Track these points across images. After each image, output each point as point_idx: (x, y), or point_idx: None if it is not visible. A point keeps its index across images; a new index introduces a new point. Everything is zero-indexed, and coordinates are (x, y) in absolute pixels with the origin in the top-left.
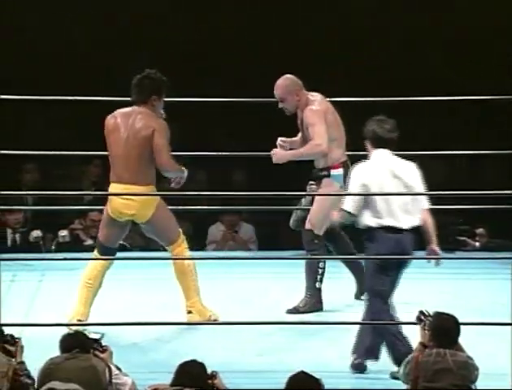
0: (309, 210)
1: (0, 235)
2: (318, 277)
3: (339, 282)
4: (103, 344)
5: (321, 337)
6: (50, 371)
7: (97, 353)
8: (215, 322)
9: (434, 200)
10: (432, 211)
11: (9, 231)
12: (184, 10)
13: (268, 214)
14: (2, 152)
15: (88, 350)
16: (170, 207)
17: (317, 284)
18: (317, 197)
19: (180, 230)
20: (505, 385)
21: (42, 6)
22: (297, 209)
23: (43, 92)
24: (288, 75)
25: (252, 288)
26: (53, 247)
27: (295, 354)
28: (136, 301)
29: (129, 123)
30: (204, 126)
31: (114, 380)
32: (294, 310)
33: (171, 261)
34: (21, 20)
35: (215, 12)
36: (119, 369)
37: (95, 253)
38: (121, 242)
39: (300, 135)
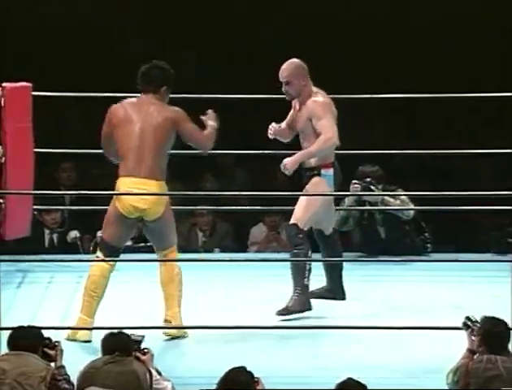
0: (351, 210)
1: (37, 235)
2: (306, 273)
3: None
4: (144, 346)
5: (360, 343)
6: (90, 375)
7: (138, 355)
8: (259, 327)
9: (486, 201)
10: (485, 213)
11: (46, 231)
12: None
13: None
14: (39, 150)
15: (129, 353)
16: (212, 207)
17: (305, 281)
18: (306, 191)
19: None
20: None
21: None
22: (340, 209)
23: (82, 89)
24: (296, 59)
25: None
26: (91, 248)
27: (334, 359)
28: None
29: (142, 113)
30: (248, 123)
31: (154, 385)
32: (285, 311)
33: (157, 264)
34: (67, 18)
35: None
36: (159, 373)
37: (98, 255)
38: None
39: (285, 124)
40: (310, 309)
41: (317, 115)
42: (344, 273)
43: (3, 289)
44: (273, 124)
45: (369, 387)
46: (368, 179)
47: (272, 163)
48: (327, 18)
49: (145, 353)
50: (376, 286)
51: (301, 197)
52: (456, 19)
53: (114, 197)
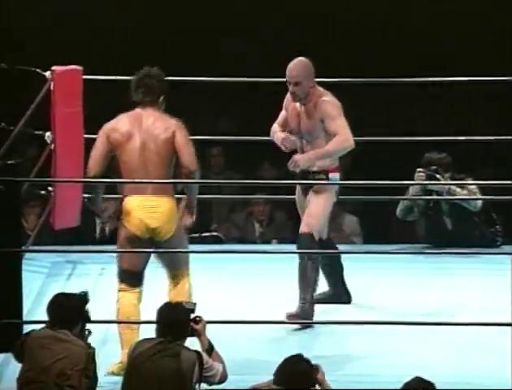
0: (417, 199)
1: (88, 225)
2: (316, 286)
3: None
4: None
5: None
6: (137, 365)
7: (192, 324)
8: (314, 322)
9: None
10: None
11: (97, 221)
12: None
13: (375, 204)
14: (92, 136)
15: (184, 325)
16: (268, 196)
17: (313, 294)
18: (318, 200)
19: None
20: None
21: None
22: (404, 199)
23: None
24: (304, 58)
25: (356, 283)
26: None
27: (402, 356)
28: (229, 295)
29: (143, 127)
30: None
31: (204, 373)
32: (295, 318)
33: (166, 277)
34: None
35: None
36: (212, 347)
37: (120, 286)
38: (216, 234)
39: (277, 125)
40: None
41: (331, 116)
42: (408, 265)
43: (53, 281)
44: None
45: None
46: (434, 167)
47: None
48: (327, 18)
49: (198, 322)
50: (441, 279)
51: (313, 204)
52: (456, 19)
53: (123, 219)
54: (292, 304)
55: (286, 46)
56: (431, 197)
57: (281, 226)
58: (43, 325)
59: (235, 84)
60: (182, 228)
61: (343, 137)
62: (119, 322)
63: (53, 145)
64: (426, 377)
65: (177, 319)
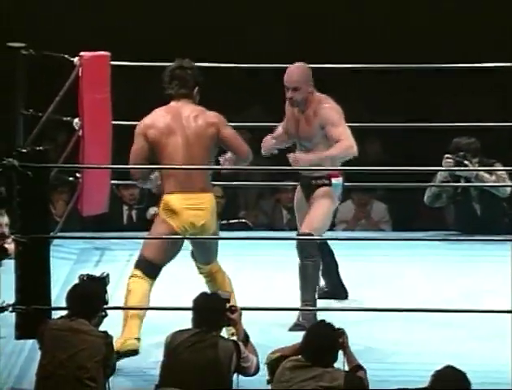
0: (444, 186)
1: (115, 212)
2: (317, 287)
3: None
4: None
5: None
6: (174, 359)
7: (227, 314)
8: (345, 309)
9: None
10: None
11: (125, 207)
12: None
13: (404, 191)
14: (119, 123)
15: (219, 317)
16: (291, 183)
17: (315, 295)
18: (320, 204)
19: None
20: None
21: None
22: (432, 185)
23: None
24: (302, 63)
25: (384, 271)
26: None
27: (432, 345)
28: (255, 282)
29: (183, 122)
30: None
31: (241, 363)
32: (301, 328)
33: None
34: None
35: None
36: (247, 337)
37: (135, 273)
38: (244, 220)
39: (279, 131)
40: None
41: (332, 122)
42: (437, 252)
43: (81, 267)
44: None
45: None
46: (462, 153)
47: (363, 136)
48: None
49: (233, 311)
50: (470, 266)
51: (315, 207)
52: (456, 20)
53: (164, 216)
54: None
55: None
56: (459, 184)
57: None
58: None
59: (264, 71)
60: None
61: (347, 143)
62: (147, 309)
63: (81, 132)
64: (455, 365)
65: (213, 308)
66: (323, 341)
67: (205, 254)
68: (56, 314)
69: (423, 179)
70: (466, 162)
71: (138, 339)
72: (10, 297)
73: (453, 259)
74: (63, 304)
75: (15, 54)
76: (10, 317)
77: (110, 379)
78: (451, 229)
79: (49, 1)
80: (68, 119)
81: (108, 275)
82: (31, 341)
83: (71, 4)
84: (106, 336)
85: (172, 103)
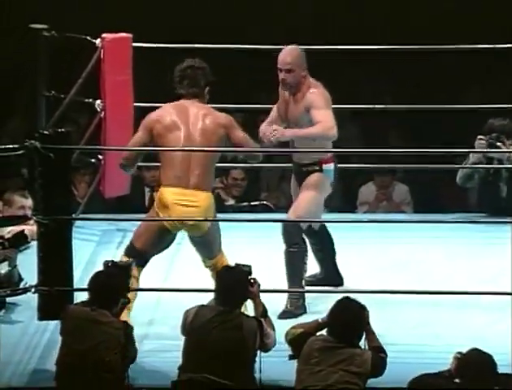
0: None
1: (137, 193)
2: (304, 274)
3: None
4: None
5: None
6: (198, 339)
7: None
8: (368, 291)
9: None
10: None
11: (146, 189)
12: None
13: (426, 173)
14: (139, 104)
15: (242, 295)
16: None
17: (302, 283)
18: (309, 190)
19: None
20: None
21: None
22: (462, 167)
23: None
24: (297, 46)
25: (406, 253)
26: None
27: (454, 327)
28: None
29: (189, 120)
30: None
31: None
32: (290, 315)
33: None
34: None
35: None
36: (265, 310)
37: (126, 259)
38: (266, 202)
39: (273, 116)
40: (305, 311)
41: (317, 106)
42: (462, 233)
43: (103, 249)
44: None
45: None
46: (495, 135)
47: (384, 119)
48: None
49: (253, 284)
50: (493, 248)
51: (303, 193)
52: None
53: (157, 208)
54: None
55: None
56: (483, 166)
57: (331, 195)
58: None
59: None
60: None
61: (328, 124)
62: (168, 290)
63: (103, 114)
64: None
65: (238, 281)
66: (349, 317)
67: (206, 251)
68: (78, 296)
69: (447, 161)
70: (499, 143)
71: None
72: (32, 279)
73: (476, 241)
74: (85, 285)
75: (37, 35)
76: (33, 298)
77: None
78: (474, 211)
79: None
80: (90, 100)
81: (132, 263)
82: (53, 322)
83: None
84: (126, 327)
85: (182, 101)
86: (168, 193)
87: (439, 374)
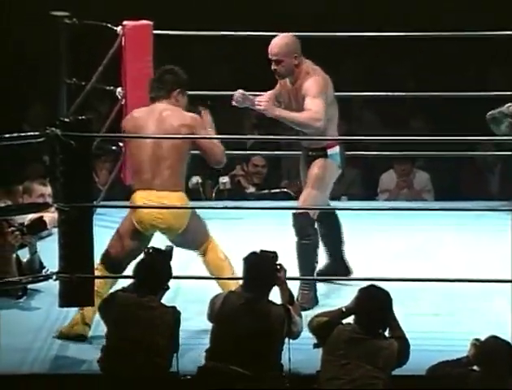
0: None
1: None
2: (316, 266)
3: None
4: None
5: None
6: (227, 327)
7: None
8: (388, 279)
9: None
10: None
11: None
12: None
13: (447, 160)
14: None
15: (269, 281)
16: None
17: (315, 275)
18: (312, 178)
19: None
20: None
21: None
22: (484, 154)
23: (206, 27)
24: (287, 34)
25: (426, 241)
26: (213, 194)
27: (472, 315)
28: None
29: (155, 122)
30: (381, 63)
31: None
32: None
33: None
34: None
35: None
36: (292, 298)
37: (98, 267)
38: (285, 190)
39: (271, 94)
40: (316, 304)
41: (310, 94)
42: (483, 221)
43: None
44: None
45: None
46: None
47: (403, 106)
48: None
49: (279, 271)
50: None
51: (310, 181)
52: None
53: (129, 210)
54: (358, 261)
55: None
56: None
57: (351, 182)
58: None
59: None
60: (194, 217)
61: (316, 116)
62: (192, 278)
63: (124, 101)
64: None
65: (264, 267)
66: (376, 305)
67: (187, 247)
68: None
69: (468, 148)
70: None
71: (89, 325)
72: (53, 266)
73: (497, 228)
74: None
75: (58, 22)
76: (54, 285)
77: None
78: (496, 198)
79: None
80: (111, 88)
81: (172, 248)
82: (74, 309)
83: None
84: (175, 312)
85: (153, 104)
86: (138, 196)
87: (457, 361)
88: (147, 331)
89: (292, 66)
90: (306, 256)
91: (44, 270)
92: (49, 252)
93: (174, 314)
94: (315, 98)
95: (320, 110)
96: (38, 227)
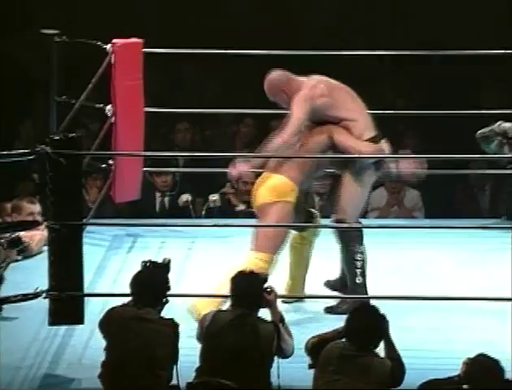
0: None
1: (148, 198)
2: (358, 271)
3: None
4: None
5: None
6: (216, 342)
7: (264, 294)
8: (379, 297)
9: None
10: None
11: (157, 194)
12: None
13: (437, 178)
14: (152, 110)
15: (257, 302)
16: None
17: (357, 279)
18: (345, 183)
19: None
20: None
21: None
22: (474, 172)
23: (198, 45)
24: (274, 72)
25: (416, 259)
26: (203, 212)
27: (463, 333)
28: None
29: None
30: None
31: (281, 345)
32: (330, 310)
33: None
34: None
35: None
36: (282, 319)
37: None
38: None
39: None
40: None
41: (291, 113)
42: (474, 239)
43: (113, 254)
44: None
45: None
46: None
47: (395, 124)
48: None
49: (269, 293)
50: (504, 254)
51: (345, 189)
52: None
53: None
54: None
55: None
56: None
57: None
58: (124, 300)
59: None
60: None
61: (284, 136)
62: (181, 296)
63: (113, 119)
64: (488, 353)
65: (251, 285)
66: (365, 324)
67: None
68: (88, 301)
69: (459, 166)
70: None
71: None
72: (43, 284)
73: (488, 247)
74: (97, 290)
75: (48, 40)
76: (44, 303)
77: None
78: (487, 216)
79: None
80: (101, 106)
81: (170, 260)
82: (64, 327)
83: None
84: (173, 324)
85: None
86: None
87: (448, 379)
88: (146, 343)
89: (284, 98)
90: (352, 260)
91: (34, 289)
92: (39, 270)
93: (173, 326)
94: (290, 117)
95: (291, 127)
96: (16, 244)
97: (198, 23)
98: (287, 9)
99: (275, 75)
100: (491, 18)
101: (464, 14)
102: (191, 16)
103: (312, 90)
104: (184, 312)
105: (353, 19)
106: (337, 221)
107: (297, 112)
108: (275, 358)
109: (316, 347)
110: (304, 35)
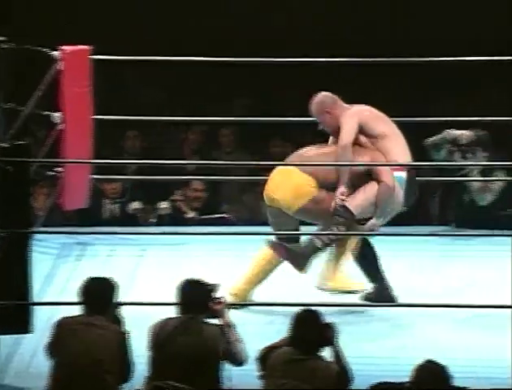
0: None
1: (97, 206)
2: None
3: None
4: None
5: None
6: (162, 347)
7: (211, 304)
8: (330, 304)
9: None
10: None
11: (107, 201)
12: None
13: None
14: (102, 117)
15: (203, 310)
16: None
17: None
18: (365, 190)
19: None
20: None
21: None
22: (430, 180)
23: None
24: (321, 94)
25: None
26: (153, 219)
27: (417, 339)
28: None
29: None
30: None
31: (230, 348)
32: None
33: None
34: None
35: None
36: (230, 325)
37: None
38: (227, 215)
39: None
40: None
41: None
42: (425, 246)
43: (62, 262)
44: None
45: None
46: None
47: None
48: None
49: (219, 303)
50: (455, 261)
51: (370, 190)
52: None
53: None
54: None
55: None
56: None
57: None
58: (69, 309)
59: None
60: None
61: (341, 144)
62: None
63: (62, 126)
64: (441, 359)
65: (196, 295)
66: (306, 329)
67: None
68: (36, 310)
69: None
70: (469, 155)
71: None
72: None
73: (439, 254)
74: (45, 299)
75: None
76: None
77: None
78: (436, 223)
79: None
80: (49, 113)
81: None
82: (11, 337)
83: None
84: (123, 331)
85: None
86: None
87: (399, 384)
88: (93, 345)
89: (329, 120)
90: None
91: None
92: None
93: (122, 333)
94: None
95: (342, 139)
96: None
97: (198, 23)
98: (287, 9)
99: (322, 95)
100: (491, 18)
101: (464, 14)
102: (191, 16)
103: (359, 111)
104: (137, 320)
105: (353, 19)
106: (342, 207)
107: (347, 126)
108: (228, 365)
109: (264, 355)
110: (304, 35)
